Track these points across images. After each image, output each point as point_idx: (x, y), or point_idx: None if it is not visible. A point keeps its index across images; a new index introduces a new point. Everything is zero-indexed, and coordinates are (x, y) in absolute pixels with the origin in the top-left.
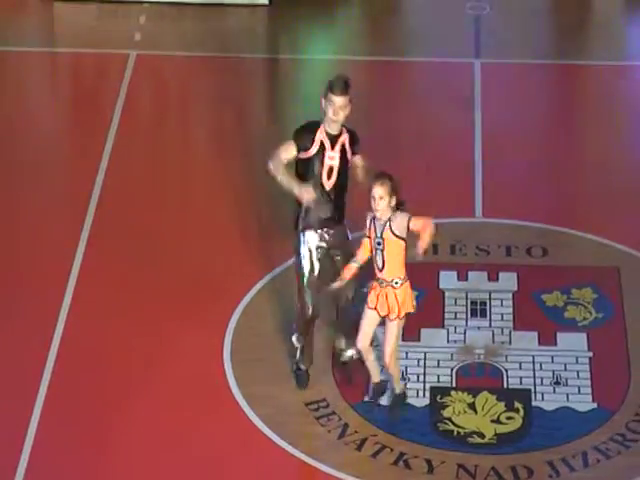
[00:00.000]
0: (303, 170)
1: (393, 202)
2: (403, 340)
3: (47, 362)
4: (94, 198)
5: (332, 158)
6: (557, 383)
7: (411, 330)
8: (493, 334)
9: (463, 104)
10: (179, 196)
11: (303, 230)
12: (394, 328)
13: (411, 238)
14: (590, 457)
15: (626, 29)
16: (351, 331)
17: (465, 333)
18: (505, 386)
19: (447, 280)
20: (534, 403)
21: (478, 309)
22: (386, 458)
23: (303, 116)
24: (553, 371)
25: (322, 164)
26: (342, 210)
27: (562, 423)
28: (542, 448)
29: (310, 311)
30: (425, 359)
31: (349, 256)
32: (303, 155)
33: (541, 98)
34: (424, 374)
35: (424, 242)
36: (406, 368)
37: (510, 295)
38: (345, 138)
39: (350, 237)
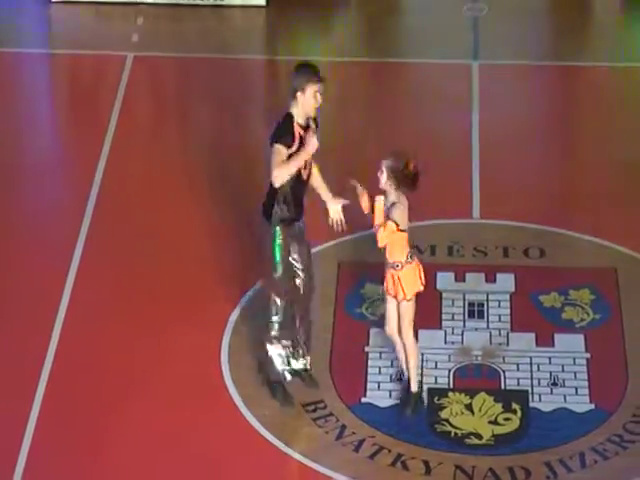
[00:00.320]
0: None
1: (392, 185)
2: None
3: (45, 363)
4: (92, 199)
5: None
6: (554, 384)
7: None
8: (490, 335)
9: (460, 105)
10: (177, 197)
11: (281, 221)
12: (402, 309)
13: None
14: (587, 458)
15: (625, 30)
16: (308, 341)
17: (462, 334)
18: (502, 387)
19: (444, 281)
20: (531, 404)
21: (475, 310)
22: (384, 459)
23: None
24: (550, 372)
25: None
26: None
27: (559, 424)
28: (540, 449)
29: (286, 296)
30: (422, 360)
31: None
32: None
33: (539, 99)
34: (421, 375)
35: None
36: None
37: (507, 296)
38: (312, 126)
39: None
